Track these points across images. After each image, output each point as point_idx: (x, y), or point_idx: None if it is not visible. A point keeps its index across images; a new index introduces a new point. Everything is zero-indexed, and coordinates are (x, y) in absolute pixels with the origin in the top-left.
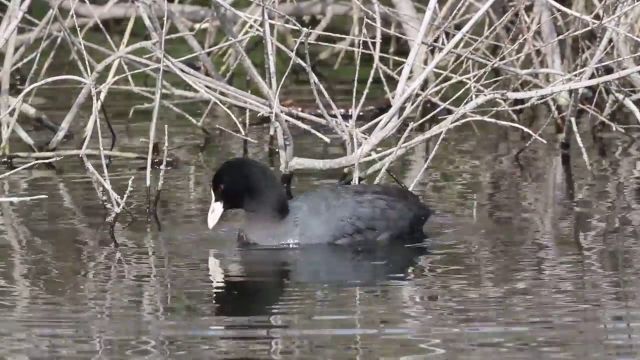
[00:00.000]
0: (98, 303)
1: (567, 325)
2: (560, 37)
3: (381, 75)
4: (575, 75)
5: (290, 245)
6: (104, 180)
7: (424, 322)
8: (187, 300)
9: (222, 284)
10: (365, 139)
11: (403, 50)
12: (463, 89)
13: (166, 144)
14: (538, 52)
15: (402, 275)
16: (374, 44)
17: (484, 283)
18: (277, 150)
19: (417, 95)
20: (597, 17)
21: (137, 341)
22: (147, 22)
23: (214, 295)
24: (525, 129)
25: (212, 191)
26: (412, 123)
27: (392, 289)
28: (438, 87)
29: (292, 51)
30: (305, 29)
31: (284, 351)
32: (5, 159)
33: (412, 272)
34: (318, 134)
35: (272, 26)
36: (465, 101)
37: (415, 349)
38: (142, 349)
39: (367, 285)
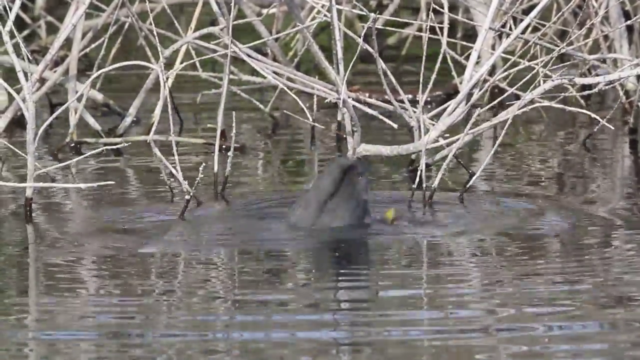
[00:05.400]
0: (165, 295)
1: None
2: (629, 22)
3: (449, 61)
4: None
5: None
6: (174, 166)
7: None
8: (257, 289)
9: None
10: (433, 124)
11: (470, 35)
12: (530, 75)
13: (234, 130)
14: (606, 37)
15: (465, 258)
16: (441, 29)
17: (551, 269)
18: (344, 136)
19: (485, 80)
20: None
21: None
22: (215, 8)
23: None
24: (593, 115)
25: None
26: (479, 109)
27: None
28: (506, 73)
29: (360, 37)
30: (372, 14)
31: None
32: (73, 145)
33: (475, 262)
34: (385, 119)
35: (339, 12)
36: (532, 86)
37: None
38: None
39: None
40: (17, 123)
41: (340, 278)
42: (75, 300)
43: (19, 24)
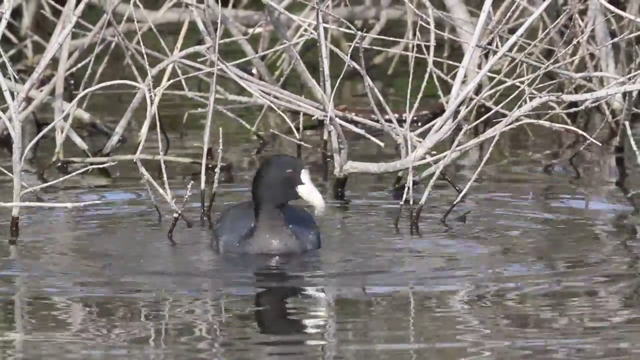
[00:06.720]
0: (156, 315)
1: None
2: (614, 40)
3: (435, 80)
4: (630, 79)
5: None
6: (162, 185)
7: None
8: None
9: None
10: (420, 142)
11: (456, 55)
12: (517, 92)
13: (220, 147)
14: (592, 56)
15: (454, 284)
16: (427, 48)
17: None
18: (330, 154)
19: (471, 99)
20: None
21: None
22: (201, 27)
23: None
24: (580, 132)
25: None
26: (466, 125)
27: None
28: (492, 91)
29: (347, 55)
30: (359, 32)
31: None
32: (59, 164)
33: (464, 279)
34: (372, 137)
35: (325, 30)
36: (518, 104)
37: None
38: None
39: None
40: (3, 142)
41: (329, 324)
42: (61, 336)
43: (6, 43)
